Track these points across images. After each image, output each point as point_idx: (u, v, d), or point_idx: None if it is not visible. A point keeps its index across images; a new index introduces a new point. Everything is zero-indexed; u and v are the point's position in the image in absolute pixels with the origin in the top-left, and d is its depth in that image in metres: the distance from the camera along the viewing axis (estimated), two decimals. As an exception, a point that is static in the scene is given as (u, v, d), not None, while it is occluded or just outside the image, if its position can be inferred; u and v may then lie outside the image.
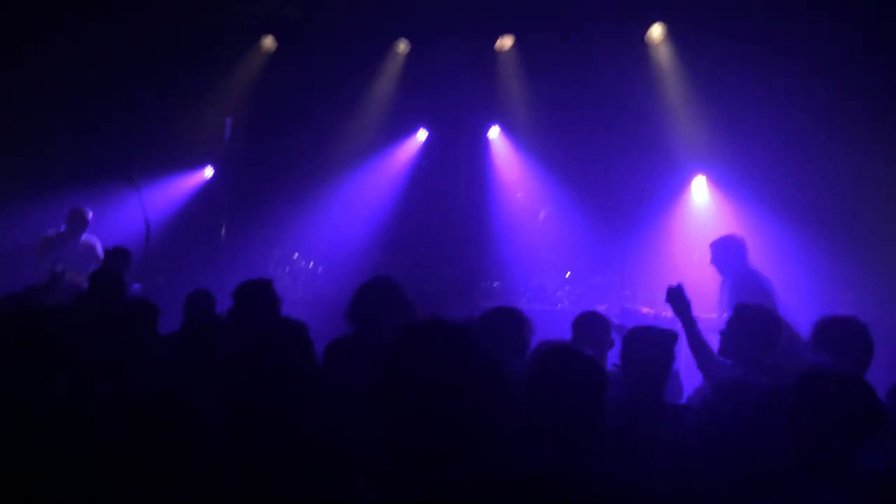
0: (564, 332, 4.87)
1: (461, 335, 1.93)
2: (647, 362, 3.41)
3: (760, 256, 6.67)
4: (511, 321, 3.97)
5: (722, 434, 2.39)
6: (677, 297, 4.34)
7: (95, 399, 2.68)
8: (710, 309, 6.13)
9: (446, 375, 1.85)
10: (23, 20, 8.87)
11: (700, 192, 9.14)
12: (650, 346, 3.45)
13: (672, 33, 9.10)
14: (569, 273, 8.67)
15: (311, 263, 9.25)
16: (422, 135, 10.22)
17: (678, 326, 4.38)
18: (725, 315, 4.46)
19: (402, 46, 9.93)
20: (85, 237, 7.91)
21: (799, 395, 2.54)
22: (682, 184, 9.17)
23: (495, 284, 8.93)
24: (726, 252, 6.19)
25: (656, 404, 3.38)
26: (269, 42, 9.98)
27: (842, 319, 3.73)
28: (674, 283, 4.43)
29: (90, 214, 7.91)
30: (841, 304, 6.78)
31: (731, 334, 3.91)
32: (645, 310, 7.39)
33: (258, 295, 4.34)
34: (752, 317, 3.94)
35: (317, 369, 3.21)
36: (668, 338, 3.49)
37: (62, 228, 7.87)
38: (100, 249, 7.88)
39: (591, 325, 4.60)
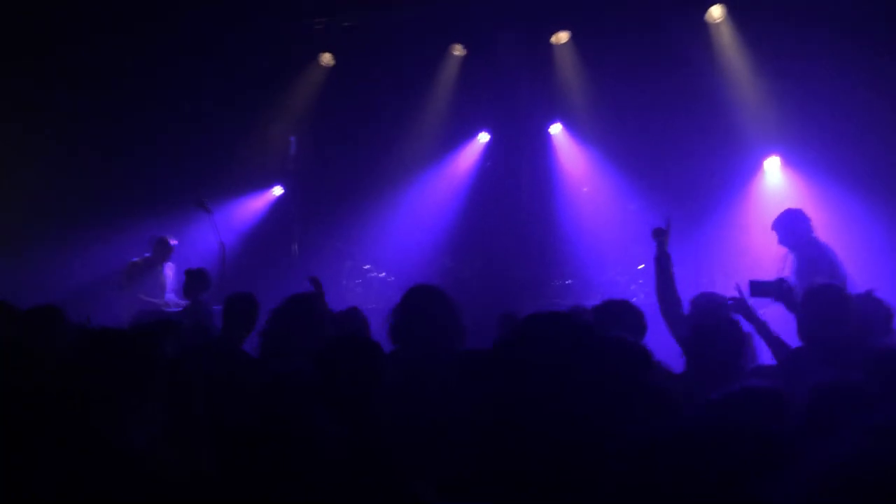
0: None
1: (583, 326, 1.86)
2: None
3: (837, 236, 6.45)
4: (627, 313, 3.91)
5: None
6: (742, 308, 4.41)
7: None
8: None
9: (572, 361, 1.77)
10: (97, 52, 9.20)
11: (774, 174, 8.86)
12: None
13: (732, 12, 8.86)
14: (643, 265, 8.52)
15: (384, 273, 9.33)
16: (484, 137, 10.21)
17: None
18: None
19: (458, 50, 9.94)
20: (168, 265, 8.23)
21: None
22: (755, 166, 8.92)
23: (568, 282, 8.84)
24: (791, 227, 6.07)
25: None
26: (327, 57, 10.12)
27: None
28: (735, 293, 4.51)
29: (174, 242, 8.21)
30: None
31: (804, 319, 3.90)
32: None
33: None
34: (823, 298, 3.90)
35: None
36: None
37: (147, 255, 8.17)
38: (174, 277, 8.19)
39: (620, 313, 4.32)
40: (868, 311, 3.94)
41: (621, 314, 3.94)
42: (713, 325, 3.79)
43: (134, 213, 8.99)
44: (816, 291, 3.99)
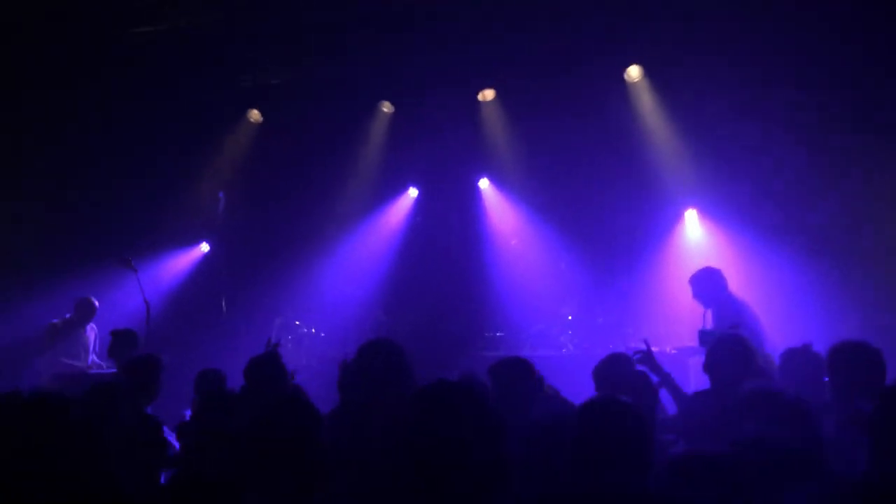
0: (571, 376, 4.90)
1: (470, 396, 1.98)
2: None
3: (754, 284, 6.74)
4: (518, 370, 4.00)
5: None
6: (648, 359, 4.68)
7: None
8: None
9: (458, 434, 1.89)
10: (14, 108, 9.04)
11: (693, 226, 9.21)
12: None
13: (649, 72, 9.26)
14: (570, 316, 8.68)
15: (314, 329, 9.27)
16: (413, 192, 10.33)
17: (683, 361, 4.52)
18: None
19: (387, 107, 10.09)
20: (90, 326, 8.02)
21: None
22: (675, 217, 9.25)
23: (498, 334, 8.93)
24: (705, 285, 6.44)
25: None
26: (255, 114, 10.15)
27: (850, 345, 3.78)
28: (642, 347, 4.77)
29: (97, 303, 8.03)
30: (845, 327, 6.80)
31: (709, 363, 4.16)
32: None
33: (266, 369, 4.37)
34: (726, 346, 4.16)
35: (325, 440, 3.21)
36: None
37: (67, 316, 7.94)
38: (96, 339, 7.99)
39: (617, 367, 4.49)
40: (799, 364, 4.13)
41: (513, 371, 4.03)
42: (619, 376, 4.01)
43: (56, 273, 8.74)
44: (718, 342, 4.24)
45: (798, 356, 4.20)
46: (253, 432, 2.87)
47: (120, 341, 6.72)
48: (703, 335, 5.52)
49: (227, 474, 2.70)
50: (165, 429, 4.30)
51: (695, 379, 4.54)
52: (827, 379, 3.89)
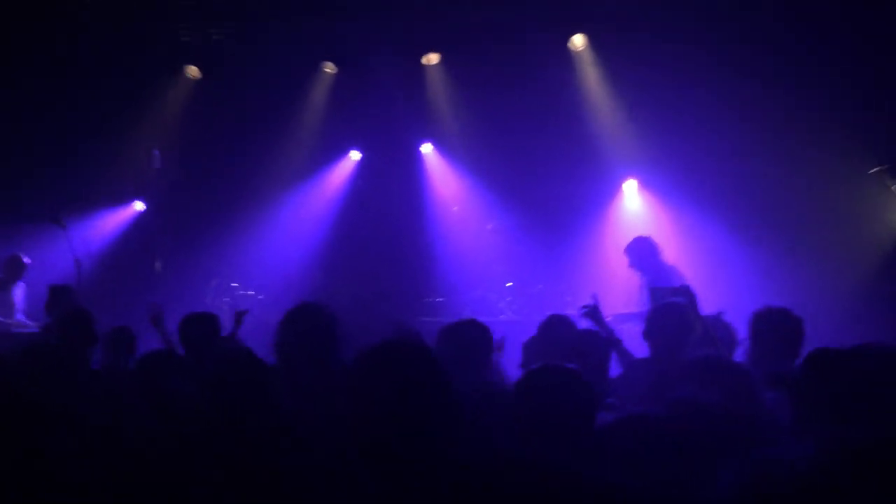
0: (508, 343, 4.94)
1: (423, 354, 1.98)
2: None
3: (691, 255, 6.88)
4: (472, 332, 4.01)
5: None
6: (594, 313, 4.77)
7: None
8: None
9: (409, 392, 1.90)
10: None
11: (632, 196, 9.34)
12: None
13: (594, 41, 9.30)
14: (510, 283, 8.75)
15: (252, 292, 9.15)
16: (355, 155, 10.22)
17: (618, 328, 4.59)
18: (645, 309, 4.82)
19: (330, 68, 9.93)
20: (20, 283, 7.79)
21: None
22: (614, 188, 9.36)
23: (438, 299, 8.96)
24: (639, 253, 6.56)
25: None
26: (193, 70, 9.87)
27: (774, 311, 3.90)
28: (589, 301, 4.85)
29: (27, 260, 7.79)
30: (779, 299, 6.99)
31: (648, 332, 4.17)
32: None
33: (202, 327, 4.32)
34: (662, 316, 4.18)
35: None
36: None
37: (-1, 275, 7.70)
38: (24, 295, 7.76)
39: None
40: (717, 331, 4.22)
41: (462, 334, 4.04)
42: (565, 336, 4.04)
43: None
44: (654, 310, 4.31)
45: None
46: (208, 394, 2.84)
47: (56, 297, 6.56)
48: (656, 292, 5.50)
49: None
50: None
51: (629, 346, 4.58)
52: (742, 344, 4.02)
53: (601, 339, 4.13)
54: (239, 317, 5.41)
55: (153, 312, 5.31)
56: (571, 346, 3.87)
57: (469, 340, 3.93)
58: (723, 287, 7.00)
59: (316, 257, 9.64)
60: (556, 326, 4.40)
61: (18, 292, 7.84)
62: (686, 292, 4.27)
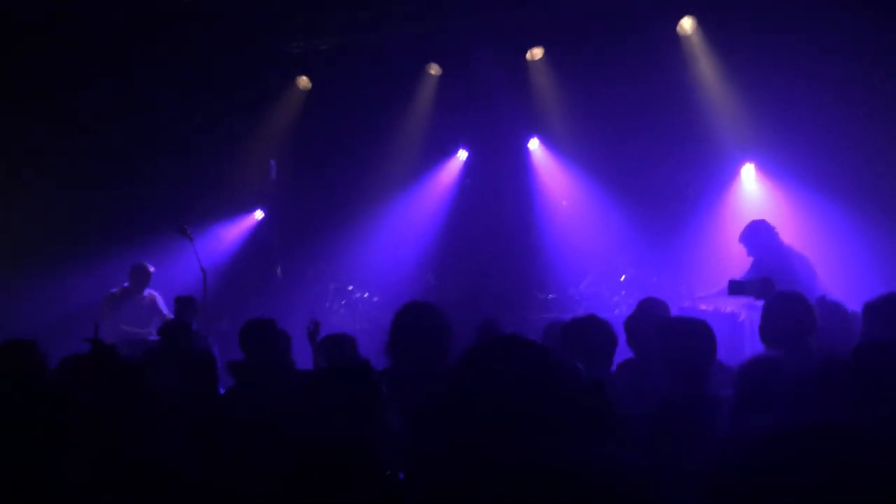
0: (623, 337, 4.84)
1: (536, 351, 1.95)
2: (684, 353, 3.39)
3: (813, 241, 6.56)
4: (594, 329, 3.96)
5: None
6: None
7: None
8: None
9: (522, 390, 1.86)
10: (62, 73, 9.22)
11: (750, 181, 8.97)
12: (687, 337, 3.44)
13: (703, 25, 8.99)
14: (623, 276, 8.58)
15: (367, 294, 9.35)
16: (462, 154, 10.28)
17: (738, 321, 4.40)
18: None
19: (434, 70, 10.02)
20: (148, 292, 8.16)
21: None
22: (731, 174, 9.02)
23: (550, 296, 8.88)
24: (754, 238, 6.26)
25: (698, 396, 3.33)
26: (304, 81, 10.18)
27: (891, 296, 3.68)
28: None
29: (152, 269, 8.17)
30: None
31: (766, 324, 3.89)
32: (703, 306, 7.27)
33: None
34: (782, 303, 3.92)
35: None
36: (704, 328, 3.47)
37: (125, 285, 8.13)
38: (161, 303, 8.11)
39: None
40: (823, 315, 3.98)
41: (586, 331, 3.99)
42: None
43: (114, 243, 8.94)
44: (777, 296, 4.07)
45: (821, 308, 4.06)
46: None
47: (183, 307, 6.91)
48: (733, 285, 5.27)
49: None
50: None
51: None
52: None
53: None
54: (313, 334, 5.35)
55: (311, 327, 5.34)
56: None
57: (593, 337, 3.91)
58: (843, 271, 6.64)
59: (427, 258, 9.75)
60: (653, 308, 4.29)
61: (152, 300, 8.19)
62: (769, 285, 4.04)
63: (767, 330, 3.87)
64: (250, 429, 2.95)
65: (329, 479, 2.28)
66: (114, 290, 8.13)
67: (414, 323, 3.91)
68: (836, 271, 6.57)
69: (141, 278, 8.10)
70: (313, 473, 2.32)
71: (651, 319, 4.24)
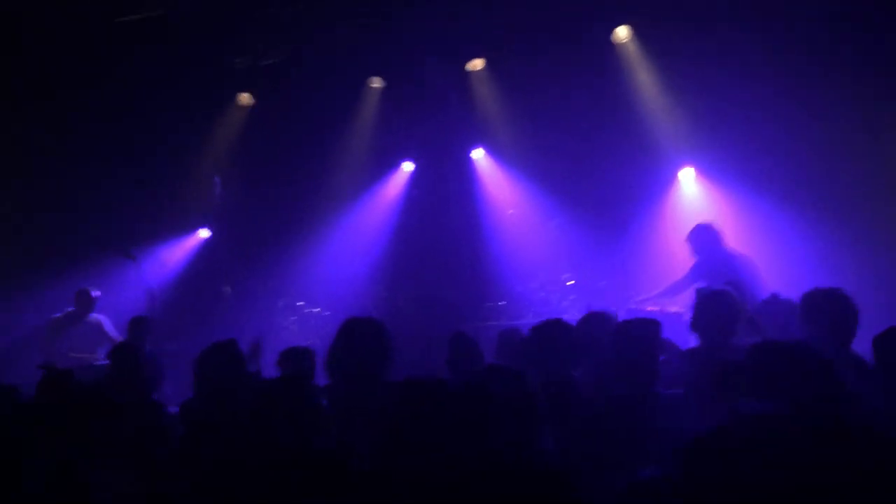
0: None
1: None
2: (636, 352, 3.57)
3: (753, 242, 6.76)
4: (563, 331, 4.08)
5: None
6: None
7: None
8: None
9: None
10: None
11: (689, 184, 9.20)
12: (637, 337, 3.64)
13: (639, 31, 9.20)
14: (571, 281, 8.71)
15: (317, 309, 9.32)
16: (408, 166, 10.33)
17: (682, 319, 4.54)
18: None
19: (376, 83, 10.06)
20: (92, 316, 8.03)
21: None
22: (672, 177, 9.24)
23: (502, 303, 8.97)
24: (701, 241, 6.46)
25: (649, 393, 3.47)
26: (245, 97, 10.13)
27: (826, 291, 3.85)
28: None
29: (96, 293, 8.05)
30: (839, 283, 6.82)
31: (693, 315, 4.14)
32: (650, 307, 7.43)
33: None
34: (708, 298, 4.14)
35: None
36: (652, 327, 3.67)
37: (70, 309, 7.98)
38: (108, 327, 7.99)
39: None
40: (775, 312, 4.17)
41: (556, 336, 4.07)
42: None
43: (56, 270, 8.75)
44: (701, 296, 4.24)
45: (769, 305, 4.25)
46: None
47: (138, 329, 6.82)
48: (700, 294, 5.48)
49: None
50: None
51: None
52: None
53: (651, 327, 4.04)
54: (255, 350, 5.35)
55: (252, 346, 5.30)
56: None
57: (563, 341, 3.98)
58: (784, 271, 6.86)
59: (377, 269, 9.76)
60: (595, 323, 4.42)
61: (97, 324, 8.06)
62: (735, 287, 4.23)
63: (693, 321, 4.13)
64: (198, 439, 2.97)
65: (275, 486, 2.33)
66: (57, 314, 7.98)
67: (348, 343, 3.92)
68: (776, 270, 6.78)
69: (85, 303, 8.01)
70: (261, 480, 2.36)
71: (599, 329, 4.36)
